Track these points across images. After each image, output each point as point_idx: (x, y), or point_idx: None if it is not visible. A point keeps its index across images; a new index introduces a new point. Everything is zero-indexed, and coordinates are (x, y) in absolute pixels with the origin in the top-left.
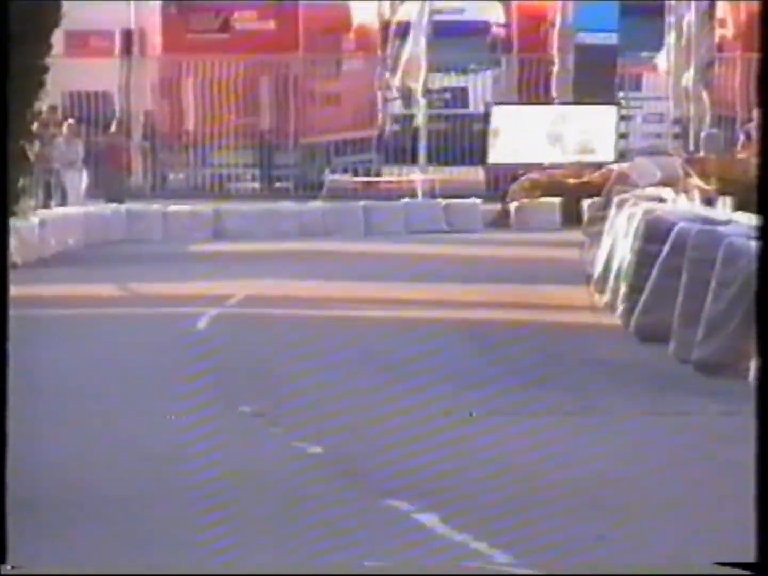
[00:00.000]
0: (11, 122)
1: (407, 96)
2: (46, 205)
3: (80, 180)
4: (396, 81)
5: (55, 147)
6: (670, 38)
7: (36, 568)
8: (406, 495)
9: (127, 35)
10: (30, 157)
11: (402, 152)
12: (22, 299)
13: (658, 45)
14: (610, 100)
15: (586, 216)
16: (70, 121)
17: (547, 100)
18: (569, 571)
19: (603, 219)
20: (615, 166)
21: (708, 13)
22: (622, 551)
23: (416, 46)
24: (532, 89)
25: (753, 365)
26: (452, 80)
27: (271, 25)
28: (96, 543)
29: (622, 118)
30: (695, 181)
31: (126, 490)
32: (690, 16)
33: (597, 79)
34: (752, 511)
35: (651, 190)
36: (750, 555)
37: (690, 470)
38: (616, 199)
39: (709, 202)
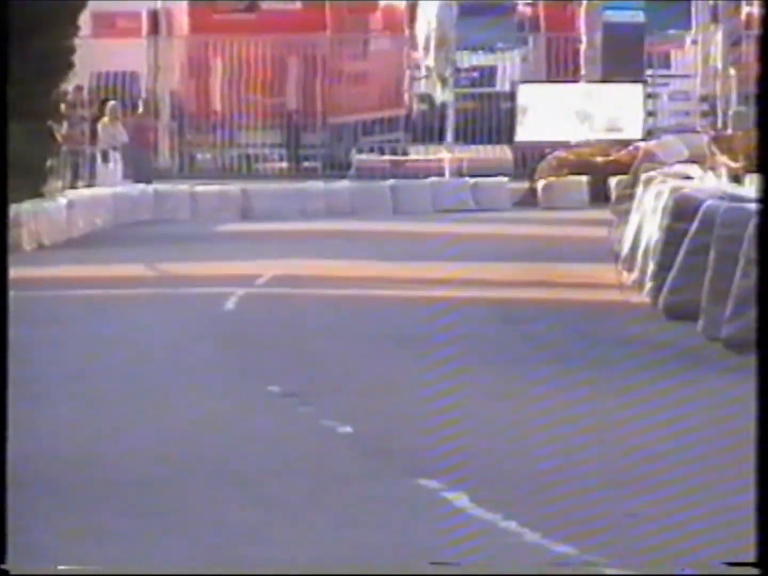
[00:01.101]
0: (39, 103)
1: (434, 75)
2: (73, 186)
3: (117, 161)
4: (423, 60)
5: (104, 130)
6: (698, 16)
7: (36, 568)
8: (436, 474)
9: (154, 15)
10: (57, 138)
11: (429, 131)
12: (51, 280)
13: (685, 23)
14: (638, 78)
15: (613, 194)
16: (112, 102)
17: (575, 79)
18: (599, 548)
19: (630, 197)
20: (642, 144)
21: None
22: (651, 529)
23: (443, 25)
24: (560, 67)
25: None
26: (480, 59)
27: (298, 5)
28: (129, 520)
29: (650, 96)
30: (723, 158)
31: (155, 468)
32: None
33: (624, 57)
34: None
35: (678, 168)
36: None
37: (720, 446)
38: (643, 177)
39: (736, 179)
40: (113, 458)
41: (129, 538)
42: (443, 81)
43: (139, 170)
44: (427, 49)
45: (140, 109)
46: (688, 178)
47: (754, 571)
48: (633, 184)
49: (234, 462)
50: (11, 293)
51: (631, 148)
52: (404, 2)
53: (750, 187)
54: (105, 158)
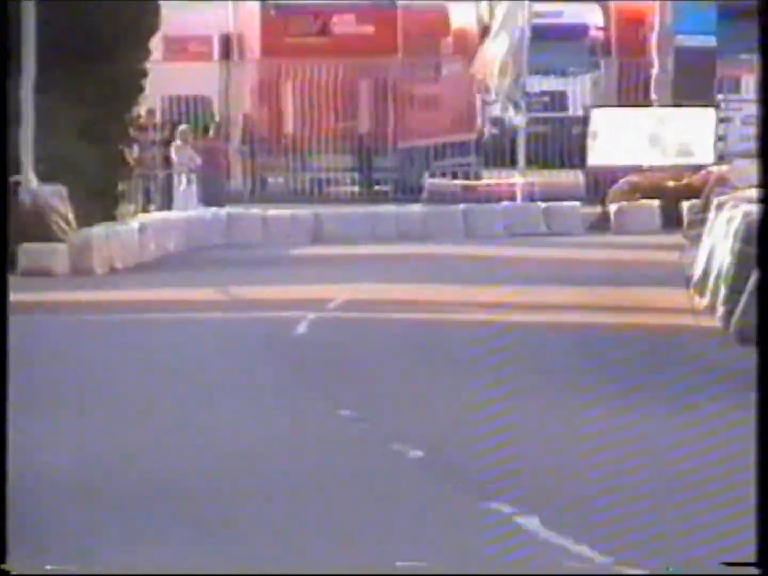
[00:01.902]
0: (111, 126)
1: (506, 99)
2: (145, 210)
3: (193, 184)
4: (494, 84)
5: (178, 154)
6: None
7: (36, 568)
8: (507, 498)
9: (226, 39)
10: (129, 161)
11: (501, 155)
12: (121, 303)
13: (756, 47)
14: (709, 103)
15: (685, 218)
16: (183, 126)
17: (646, 103)
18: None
19: (702, 221)
20: (714, 169)
21: None
22: (710, 551)
23: (515, 49)
24: (632, 92)
25: None
26: (551, 83)
27: (370, 28)
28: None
29: (721, 120)
30: None
31: (226, 488)
32: None
33: (696, 81)
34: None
35: (750, 192)
36: None
37: None
38: (715, 202)
39: None
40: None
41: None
42: (515, 105)
43: (210, 194)
44: (500, 73)
45: (212, 133)
46: (761, 202)
47: (754, 571)
48: (705, 209)
49: (305, 483)
50: (86, 317)
51: (703, 172)
52: (476, 26)
53: None
54: (182, 181)
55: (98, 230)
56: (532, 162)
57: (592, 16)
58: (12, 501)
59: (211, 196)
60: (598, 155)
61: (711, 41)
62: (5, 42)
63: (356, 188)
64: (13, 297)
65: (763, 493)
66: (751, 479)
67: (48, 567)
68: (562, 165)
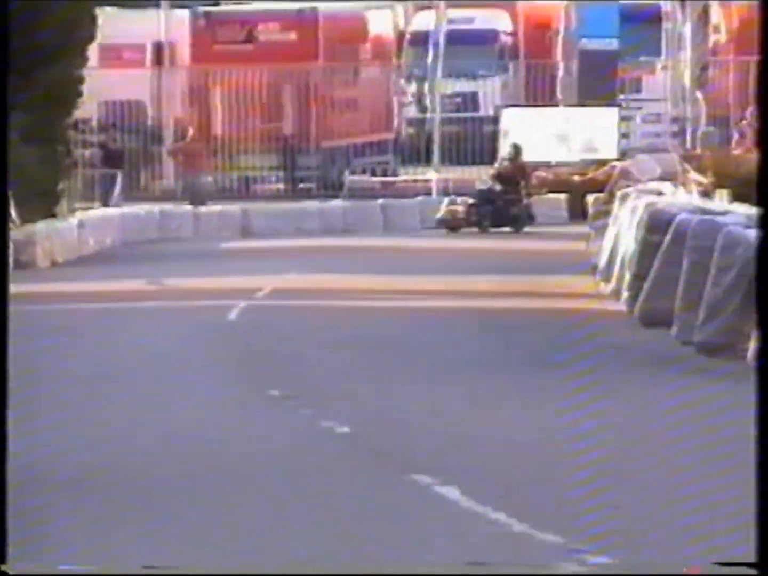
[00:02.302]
0: (51, 129)
1: (422, 101)
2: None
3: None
4: (410, 86)
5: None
6: (668, 43)
7: (36, 568)
8: (428, 470)
9: (158, 47)
10: (68, 162)
11: (417, 153)
12: (64, 295)
13: (656, 50)
14: (612, 102)
15: (591, 210)
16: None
17: (553, 103)
18: (588, 541)
19: (607, 213)
20: (617, 164)
21: (702, 19)
22: (635, 519)
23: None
24: (539, 93)
25: (751, 345)
26: (464, 85)
27: (292, 36)
28: (127, 522)
29: (624, 118)
30: (693, 175)
31: (161, 469)
32: (686, 22)
33: (599, 82)
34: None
35: (652, 185)
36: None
37: (693, 442)
38: (619, 194)
39: (706, 194)
40: (121, 456)
41: (121, 524)
42: (429, 106)
43: (193, 194)
44: (413, 76)
45: (189, 135)
46: (661, 194)
47: (754, 571)
48: (609, 201)
49: (236, 459)
50: (28, 307)
51: (607, 167)
52: (392, 33)
53: (718, 202)
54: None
55: (40, 227)
56: (446, 159)
57: (501, 22)
58: None
59: (194, 196)
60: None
61: (613, 44)
62: (5, 42)
63: (281, 186)
64: None
65: (763, 493)
66: (660, 450)
67: (48, 567)
68: (474, 162)
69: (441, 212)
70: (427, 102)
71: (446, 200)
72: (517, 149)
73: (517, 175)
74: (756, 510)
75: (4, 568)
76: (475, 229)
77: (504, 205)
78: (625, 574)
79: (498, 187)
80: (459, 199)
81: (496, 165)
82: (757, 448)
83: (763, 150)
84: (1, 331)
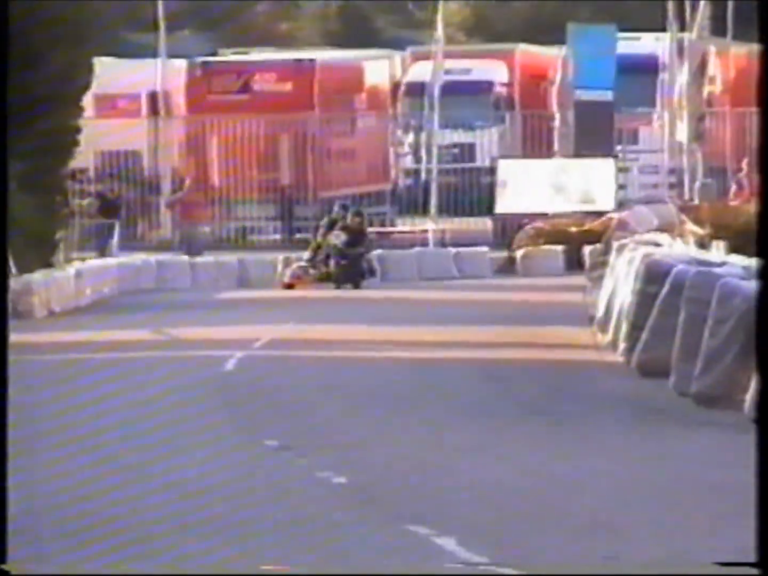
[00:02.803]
0: (48, 178)
1: (418, 152)
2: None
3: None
4: (406, 137)
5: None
6: (663, 94)
7: (36, 568)
8: (425, 520)
9: (153, 97)
10: (65, 212)
11: (414, 204)
12: (60, 345)
13: (652, 101)
14: (609, 153)
15: (588, 261)
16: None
17: (550, 154)
18: None
19: (604, 264)
20: (615, 215)
21: (699, 71)
22: (627, 569)
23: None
24: (535, 143)
25: (748, 397)
26: (461, 136)
27: (288, 86)
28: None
29: (621, 169)
30: (690, 226)
31: (159, 516)
32: (682, 74)
33: (596, 133)
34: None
35: (649, 236)
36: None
37: (690, 493)
38: (616, 245)
39: (703, 246)
40: (119, 505)
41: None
42: (426, 157)
43: (190, 244)
44: (409, 127)
45: (186, 186)
46: (658, 245)
47: (755, 571)
48: (606, 252)
49: (233, 509)
50: (25, 357)
51: (604, 218)
52: (388, 83)
53: (716, 253)
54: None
55: (37, 276)
56: (443, 210)
57: (498, 73)
58: None
59: (190, 246)
60: (505, 203)
61: (609, 95)
62: (5, 42)
63: (278, 236)
64: None
65: (762, 493)
66: (658, 501)
67: (49, 567)
68: (471, 212)
69: (286, 270)
70: (424, 152)
71: (281, 258)
72: (357, 213)
73: (360, 232)
74: (756, 511)
75: (6, 567)
76: (474, 281)
77: (351, 261)
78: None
79: (345, 243)
80: (294, 256)
81: (338, 225)
82: (757, 448)
83: (763, 193)
84: (2, 341)
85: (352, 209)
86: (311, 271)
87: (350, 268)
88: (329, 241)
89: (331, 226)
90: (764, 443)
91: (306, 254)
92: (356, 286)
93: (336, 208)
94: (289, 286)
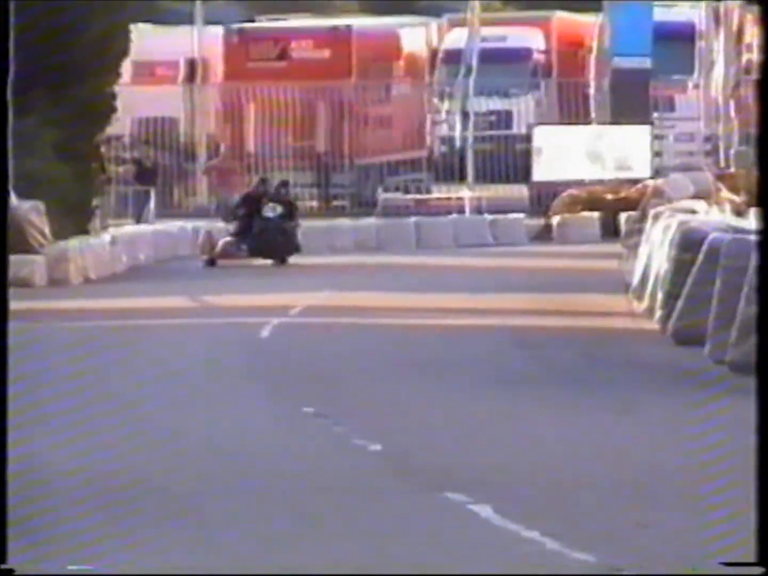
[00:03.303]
0: (83, 145)
1: (454, 119)
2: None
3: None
4: (445, 105)
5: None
6: (700, 62)
7: (36, 568)
8: (461, 488)
9: (191, 64)
10: (101, 179)
11: (450, 171)
12: (97, 311)
13: (689, 68)
14: (645, 121)
15: (624, 229)
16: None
17: (586, 121)
18: (615, 558)
19: (640, 231)
20: (650, 182)
21: (735, 39)
22: (663, 538)
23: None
24: (572, 111)
25: None
26: (496, 103)
27: (325, 53)
28: (164, 532)
29: (657, 137)
30: (726, 194)
31: (196, 484)
32: (719, 41)
33: (632, 100)
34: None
35: (685, 204)
36: None
37: (724, 461)
38: (652, 213)
39: (739, 213)
40: (155, 470)
41: (161, 542)
42: (462, 124)
43: (226, 211)
44: (446, 94)
45: (222, 152)
46: (694, 212)
47: (755, 571)
48: (642, 219)
49: (269, 476)
50: (62, 323)
51: (640, 185)
52: (425, 50)
53: (752, 221)
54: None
55: (73, 243)
56: (479, 177)
57: (534, 40)
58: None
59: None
60: (541, 170)
61: (646, 63)
62: (6, 42)
63: (315, 203)
64: None
65: (763, 493)
66: (692, 469)
67: (53, 567)
68: (507, 180)
69: (206, 244)
70: (460, 120)
71: (202, 231)
72: (283, 184)
73: (292, 204)
74: (757, 510)
75: (8, 567)
76: (510, 248)
77: (288, 234)
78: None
79: (281, 216)
80: (216, 228)
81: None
82: (757, 448)
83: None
84: (2, 334)
85: (279, 179)
86: (242, 246)
87: (287, 243)
88: (263, 215)
89: (254, 199)
90: (764, 443)
91: (231, 227)
92: (283, 261)
93: (255, 183)
94: (211, 262)
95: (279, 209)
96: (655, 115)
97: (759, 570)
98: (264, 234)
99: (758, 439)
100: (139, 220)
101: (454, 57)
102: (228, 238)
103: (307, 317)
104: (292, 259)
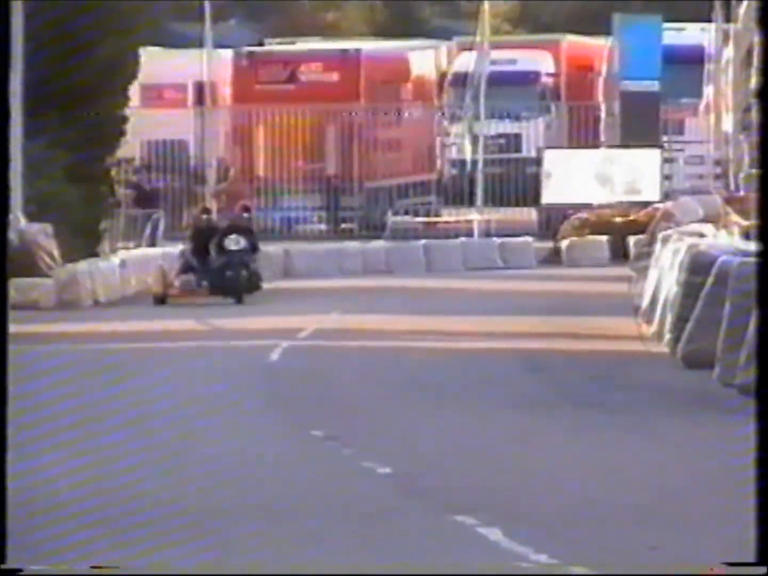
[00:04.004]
0: (93, 168)
1: (464, 142)
2: (126, 247)
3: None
4: (452, 127)
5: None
6: (709, 85)
7: (36, 568)
8: (470, 510)
9: (199, 87)
10: (110, 201)
11: (460, 194)
12: (107, 335)
13: (698, 92)
14: (655, 144)
15: (633, 252)
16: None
17: (595, 144)
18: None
19: (649, 254)
20: (660, 205)
21: (745, 61)
22: (673, 560)
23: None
24: (581, 134)
25: None
26: (506, 127)
27: (335, 76)
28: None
29: (666, 160)
30: (735, 218)
31: (206, 505)
32: (728, 65)
33: (642, 123)
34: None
35: (694, 227)
36: None
37: (738, 484)
38: (661, 236)
39: (748, 236)
40: (164, 492)
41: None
42: (472, 147)
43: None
44: (455, 117)
45: (231, 175)
46: (703, 236)
47: (756, 570)
48: (651, 243)
49: (280, 498)
50: (72, 346)
51: (649, 209)
52: (434, 73)
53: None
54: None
55: (83, 266)
56: (488, 200)
57: (544, 63)
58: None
59: None
60: (550, 194)
61: (655, 86)
62: (6, 42)
63: (324, 226)
64: None
65: (763, 494)
66: (701, 491)
67: (57, 566)
68: (516, 203)
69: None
70: (470, 143)
71: (157, 268)
72: (244, 209)
73: (251, 232)
74: (757, 510)
75: (4, 567)
76: (519, 271)
77: (254, 269)
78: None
79: (246, 248)
80: (167, 266)
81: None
82: (757, 447)
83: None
84: (2, 335)
85: (200, 205)
86: (203, 283)
87: (251, 278)
88: (225, 247)
89: (204, 232)
90: (764, 443)
91: (184, 262)
92: (240, 299)
93: (197, 212)
94: (161, 300)
95: (242, 241)
96: (665, 138)
97: (759, 570)
98: (226, 269)
99: (758, 438)
100: (150, 243)
101: (463, 80)
102: (187, 276)
103: (316, 340)
104: (301, 283)
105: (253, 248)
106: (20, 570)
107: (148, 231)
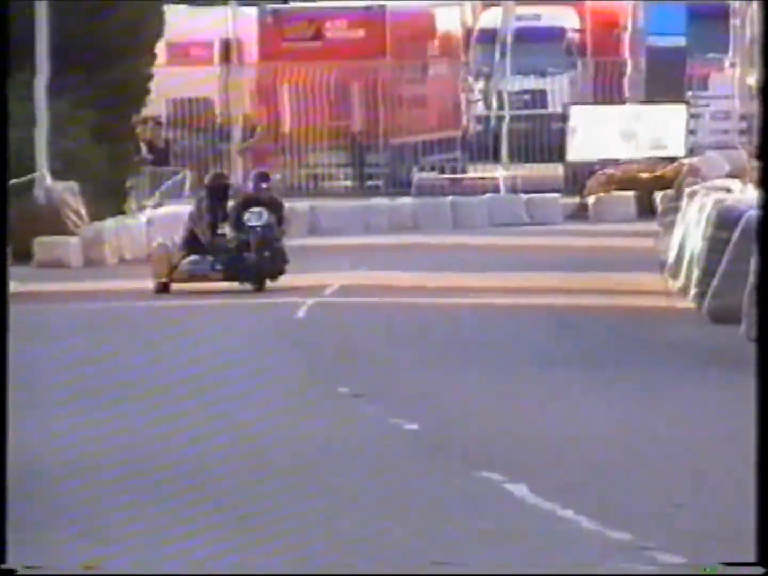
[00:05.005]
0: (119, 127)
1: (489, 98)
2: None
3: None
4: (480, 84)
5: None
6: (735, 40)
7: (36, 568)
8: (497, 466)
9: (226, 44)
10: (136, 159)
11: (485, 150)
12: (133, 292)
13: (724, 46)
14: (680, 99)
15: (659, 207)
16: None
17: (621, 100)
18: (650, 537)
19: (675, 210)
20: (686, 161)
21: None
22: (697, 517)
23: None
24: (607, 90)
25: None
26: (531, 83)
27: (360, 33)
28: (201, 513)
29: (692, 116)
30: None
31: (229, 464)
32: (753, 19)
33: (667, 79)
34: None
35: (720, 182)
36: None
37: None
38: (687, 191)
39: None
40: (191, 452)
41: (198, 520)
42: (497, 103)
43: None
44: (481, 73)
45: (257, 133)
46: (729, 190)
47: (756, 570)
48: (677, 198)
49: (306, 456)
50: (99, 304)
51: (675, 164)
52: (460, 30)
53: None
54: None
55: (109, 224)
56: (514, 156)
57: (569, 19)
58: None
59: None
60: (576, 149)
61: (681, 41)
62: (6, 42)
63: (349, 183)
64: (29, 287)
65: (763, 493)
66: (727, 449)
67: (54, 567)
68: (542, 159)
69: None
70: (495, 99)
71: (156, 248)
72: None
73: (278, 204)
74: (757, 509)
75: (4, 567)
76: (546, 227)
77: (278, 248)
78: (694, 574)
79: (269, 224)
80: (170, 243)
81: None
82: (757, 447)
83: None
84: (1, 334)
85: (214, 171)
86: (216, 266)
87: (275, 261)
88: (246, 223)
89: (218, 200)
90: (764, 442)
91: (180, 239)
92: (261, 287)
93: (210, 178)
94: (164, 287)
95: (265, 216)
96: (691, 93)
97: (759, 570)
98: (245, 250)
99: (758, 438)
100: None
101: (488, 36)
102: (194, 256)
103: (342, 297)
104: (327, 240)
105: (279, 222)
106: (15, 571)
107: (165, 187)
